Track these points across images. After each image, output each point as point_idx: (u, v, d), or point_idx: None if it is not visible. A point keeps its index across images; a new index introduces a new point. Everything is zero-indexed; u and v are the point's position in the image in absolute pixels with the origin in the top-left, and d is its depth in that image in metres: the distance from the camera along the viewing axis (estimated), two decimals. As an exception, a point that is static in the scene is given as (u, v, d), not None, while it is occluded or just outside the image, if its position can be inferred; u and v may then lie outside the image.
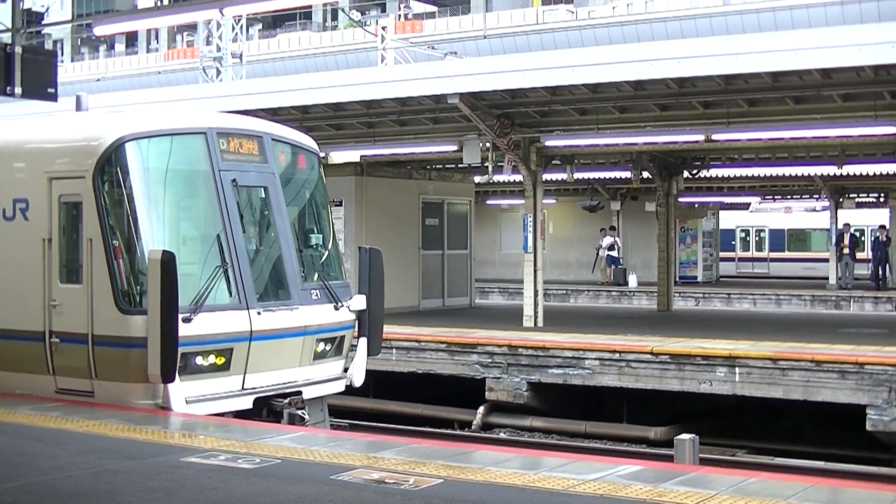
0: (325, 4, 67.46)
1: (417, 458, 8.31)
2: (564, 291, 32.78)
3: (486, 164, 20.32)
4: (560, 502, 7.04)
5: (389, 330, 15.50)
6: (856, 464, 13.90)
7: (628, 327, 19.09)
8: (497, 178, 23.96)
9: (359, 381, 12.34)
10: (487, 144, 19.50)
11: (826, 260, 35.50)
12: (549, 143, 19.23)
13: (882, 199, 36.32)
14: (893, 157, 21.90)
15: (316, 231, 12.44)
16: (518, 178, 20.21)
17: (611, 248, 34.82)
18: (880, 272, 32.64)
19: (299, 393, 11.38)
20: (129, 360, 10.31)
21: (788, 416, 15.91)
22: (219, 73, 35.14)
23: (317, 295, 11.69)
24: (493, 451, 9.56)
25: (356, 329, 12.32)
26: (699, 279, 35.31)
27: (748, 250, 45.82)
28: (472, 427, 16.99)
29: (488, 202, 36.29)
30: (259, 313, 10.89)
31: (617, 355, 15.94)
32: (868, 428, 14.02)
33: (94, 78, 62.84)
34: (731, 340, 16.37)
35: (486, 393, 16.96)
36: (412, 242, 23.36)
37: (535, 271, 19.54)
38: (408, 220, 23.32)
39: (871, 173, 27.44)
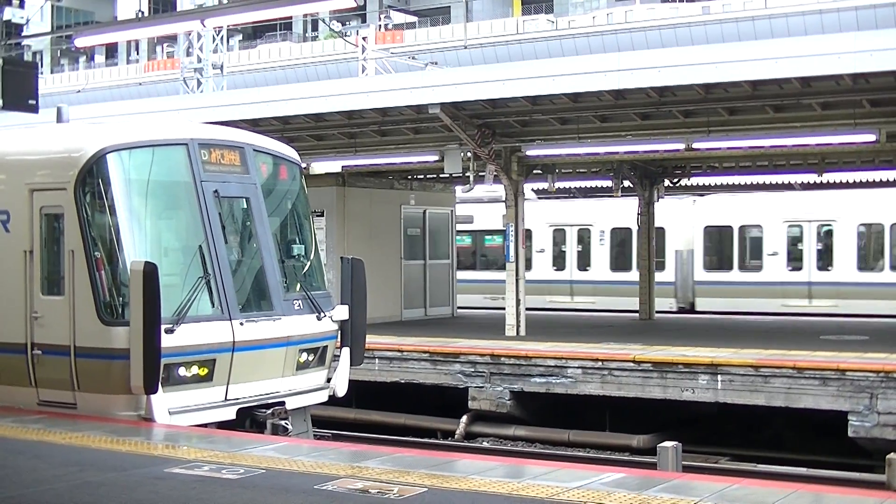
0: (305, 15, 67.49)
1: (401, 468, 8.31)
2: (547, 300, 32.75)
3: (467, 174, 20.35)
4: (544, 510, 7.06)
5: (372, 340, 15.50)
6: (838, 470, 13.94)
7: (610, 335, 19.11)
8: (478, 187, 23.97)
9: (342, 391, 12.33)
10: (469, 154, 19.52)
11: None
12: (530, 152, 19.27)
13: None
14: (873, 164, 21.99)
15: (298, 241, 12.42)
16: (499, 187, 20.24)
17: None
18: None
19: (282, 403, 11.37)
20: (111, 371, 10.28)
21: (770, 423, 15.95)
22: (199, 84, 35.11)
23: (299, 305, 11.68)
24: (477, 459, 9.57)
25: (339, 339, 12.32)
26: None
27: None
28: (456, 436, 16.98)
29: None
30: (242, 324, 10.89)
31: (599, 364, 15.96)
32: (850, 434, 14.07)
33: (75, 89, 62.65)
34: (713, 348, 16.40)
35: (469, 402, 16.97)
36: (394, 252, 23.35)
37: (517, 280, 19.56)
38: (389, 230, 23.33)
39: (850, 181, 27.53)
